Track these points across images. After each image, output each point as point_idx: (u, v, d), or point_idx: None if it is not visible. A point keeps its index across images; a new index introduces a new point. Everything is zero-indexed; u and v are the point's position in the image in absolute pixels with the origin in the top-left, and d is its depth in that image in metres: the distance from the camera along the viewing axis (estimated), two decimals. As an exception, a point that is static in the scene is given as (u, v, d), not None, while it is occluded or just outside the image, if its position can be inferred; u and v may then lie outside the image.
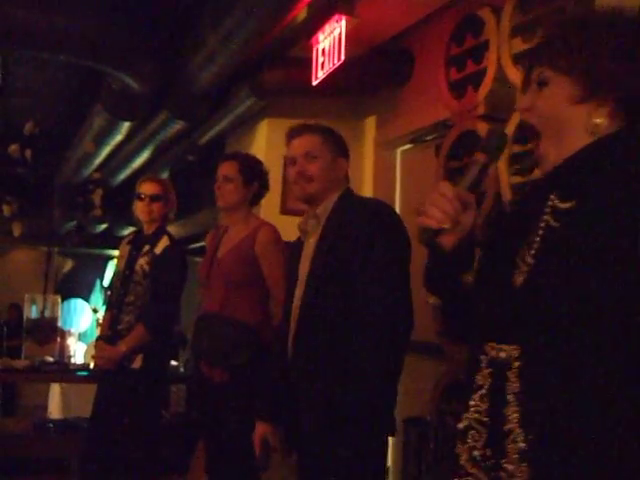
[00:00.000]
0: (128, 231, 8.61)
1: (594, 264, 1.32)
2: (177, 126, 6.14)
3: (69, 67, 6.55)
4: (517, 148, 3.24)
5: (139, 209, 4.30)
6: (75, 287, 12.44)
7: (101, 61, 5.27)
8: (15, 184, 9.29)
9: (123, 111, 6.17)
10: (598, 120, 1.41)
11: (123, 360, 4.08)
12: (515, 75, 3.35)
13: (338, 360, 2.50)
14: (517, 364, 1.39)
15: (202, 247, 7.44)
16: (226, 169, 3.71)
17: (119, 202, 8.90)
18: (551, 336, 1.35)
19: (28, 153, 7.95)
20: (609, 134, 1.41)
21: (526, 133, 1.58)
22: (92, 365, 5.26)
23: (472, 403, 1.47)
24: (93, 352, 4.52)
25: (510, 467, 1.37)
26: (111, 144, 7.16)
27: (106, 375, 4.21)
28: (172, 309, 4.26)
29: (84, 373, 5.58)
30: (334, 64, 4.49)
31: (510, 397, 1.38)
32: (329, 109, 5.41)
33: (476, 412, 1.46)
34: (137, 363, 4.08)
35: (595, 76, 1.40)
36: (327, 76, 4.61)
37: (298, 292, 2.71)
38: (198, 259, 7.63)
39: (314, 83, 4.74)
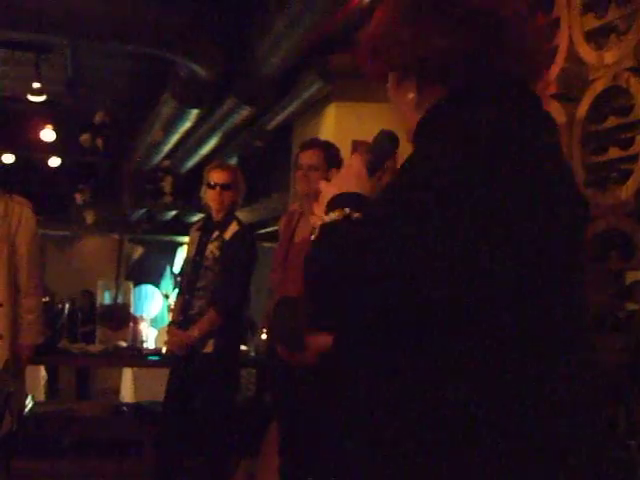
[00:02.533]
0: (197, 218, 8.71)
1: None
2: (244, 112, 6.16)
3: (137, 56, 6.63)
4: (592, 127, 3.15)
5: (210, 197, 4.31)
6: (146, 273, 12.63)
7: (168, 49, 5.32)
8: (87, 173, 9.48)
9: (191, 98, 6.22)
10: (410, 95, 1.41)
11: (195, 345, 4.13)
12: (587, 53, 3.25)
13: None
14: None
15: (271, 232, 7.48)
16: (312, 158, 3.63)
17: (188, 189, 8.99)
18: None
19: (99, 142, 8.09)
20: (428, 109, 1.40)
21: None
22: (164, 350, 5.32)
23: None
24: (165, 337, 4.57)
25: None
26: (180, 131, 7.24)
27: (178, 360, 4.27)
28: (243, 293, 4.28)
29: (156, 358, 5.65)
30: (401, 46, 4.43)
31: None
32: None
33: None
34: (209, 347, 4.11)
35: (390, 54, 1.39)
36: (394, 58, 4.55)
37: None
38: (267, 244, 7.68)
39: (381, 66, 4.68)
